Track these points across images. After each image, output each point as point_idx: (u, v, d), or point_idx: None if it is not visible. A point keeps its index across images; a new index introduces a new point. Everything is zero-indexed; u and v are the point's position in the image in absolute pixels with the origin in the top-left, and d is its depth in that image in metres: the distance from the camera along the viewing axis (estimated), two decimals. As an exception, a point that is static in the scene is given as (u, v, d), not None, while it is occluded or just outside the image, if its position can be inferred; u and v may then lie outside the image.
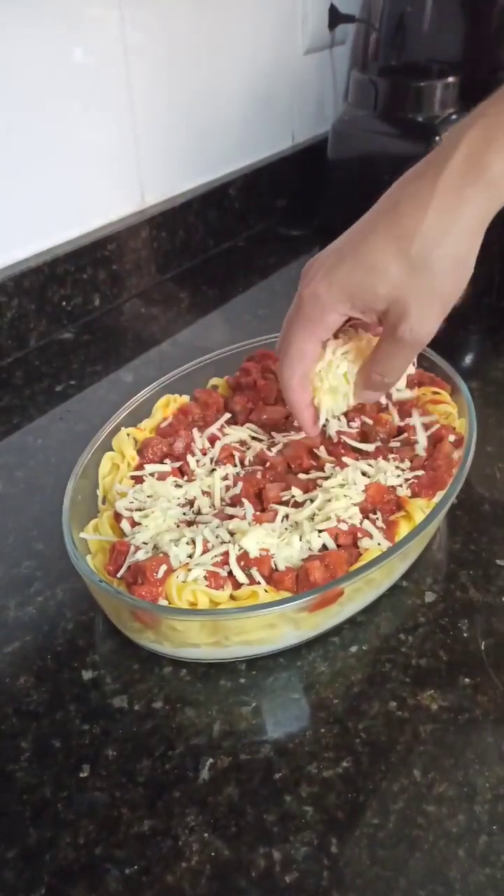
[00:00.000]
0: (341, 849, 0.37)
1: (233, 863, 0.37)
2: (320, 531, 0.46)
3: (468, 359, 0.78)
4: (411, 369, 0.58)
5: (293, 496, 0.51)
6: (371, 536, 0.46)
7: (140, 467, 0.55)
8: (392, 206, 0.42)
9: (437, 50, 0.93)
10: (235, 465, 0.55)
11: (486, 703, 0.43)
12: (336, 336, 0.49)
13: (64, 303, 0.83)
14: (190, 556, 0.46)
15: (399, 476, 0.50)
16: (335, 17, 1.09)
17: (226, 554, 0.45)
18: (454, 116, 0.90)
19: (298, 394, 0.49)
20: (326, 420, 0.51)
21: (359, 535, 0.46)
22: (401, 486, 0.50)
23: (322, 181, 1.02)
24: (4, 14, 0.69)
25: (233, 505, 0.50)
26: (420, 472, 0.50)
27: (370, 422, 0.55)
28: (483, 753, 0.41)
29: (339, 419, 0.54)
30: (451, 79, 0.89)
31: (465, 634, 0.47)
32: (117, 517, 0.50)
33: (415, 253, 0.40)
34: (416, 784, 0.40)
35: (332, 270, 0.43)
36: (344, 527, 0.46)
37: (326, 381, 0.49)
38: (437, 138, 0.88)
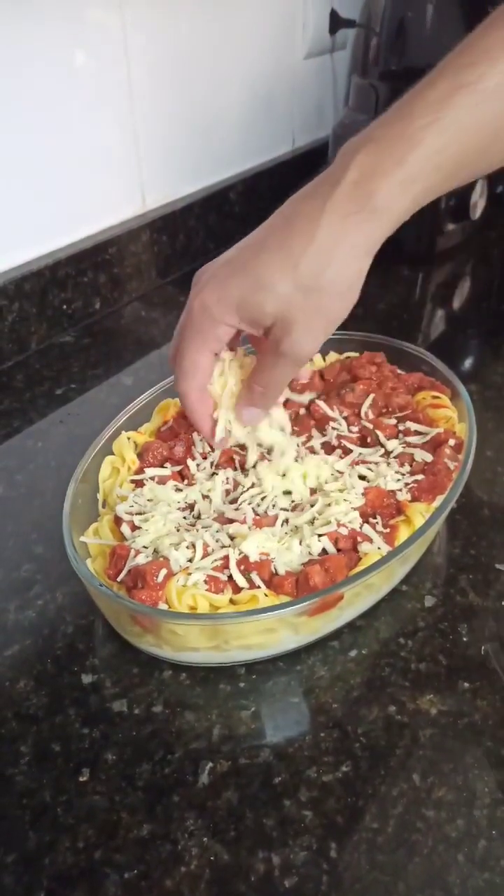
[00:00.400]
0: (340, 853, 0.37)
1: (232, 867, 0.37)
2: (320, 535, 0.47)
3: (468, 363, 0.78)
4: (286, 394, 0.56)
5: (293, 501, 0.51)
6: (371, 541, 0.46)
7: (140, 471, 0.55)
8: (283, 223, 0.42)
9: (437, 54, 0.93)
10: (235, 469, 0.55)
11: (486, 708, 0.43)
12: (232, 348, 0.49)
13: (65, 306, 0.83)
14: (190, 560, 0.46)
15: (399, 480, 0.50)
16: (336, 22, 1.09)
17: (226, 558, 0.45)
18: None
19: (197, 406, 0.49)
20: (228, 431, 0.51)
21: (359, 539, 0.46)
22: (400, 490, 0.50)
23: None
24: (7, 17, 0.69)
25: (233, 502, 0.51)
26: (420, 477, 0.50)
27: (370, 426, 0.56)
28: (482, 758, 0.41)
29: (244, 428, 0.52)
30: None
31: (464, 639, 0.47)
32: (117, 521, 0.50)
33: (302, 273, 0.41)
34: (416, 789, 0.40)
35: (222, 283, 0.43)
36: (344, 531, 0.46)
37: (223, 398, 0.49)
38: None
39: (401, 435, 0.55)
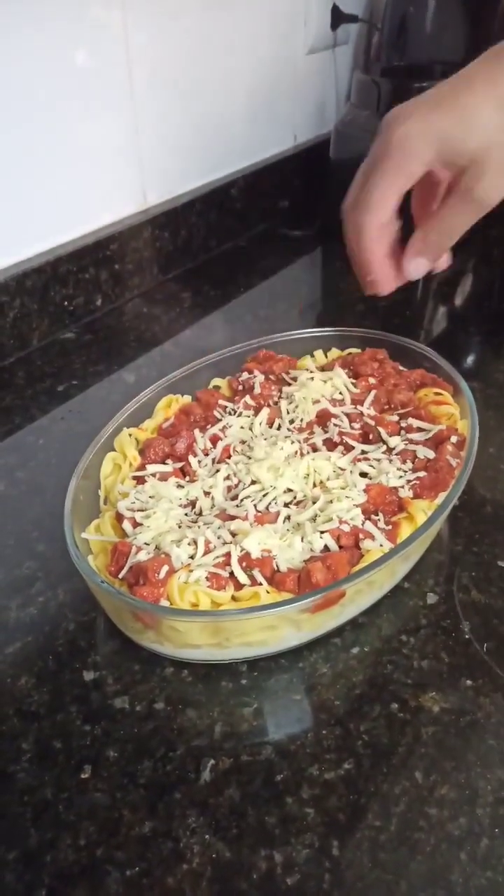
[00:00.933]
0: (342, 851, 0.37)
1: (234, 865, 0.37)
2: (322, 532, 0.46)
3: (469, 360, 0.77)
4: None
5: (295, 496, 0.51)
6: (373, 538, 0.46)
7: (142, 468, 0.55)
8: (493, 60, 0.42)
9: (439, 50, 0.93)
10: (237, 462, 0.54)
11: (488, 706, 0.43)
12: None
13: (66, 303, 0.83)
14: (192, 557, 0.46)
15: (401, 478, 0.50)
16: (338, 18, 1.09)
17: (227, 555, 0.45)
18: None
19: (376, 244, 0.47)
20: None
21: (361, 536, 0.46)
22: (402, 487, 0.49)
23: (324, 182, 1.02)
24: (8, 16, 0.69)
25: (235, 498, 0.51)
26: (422, 474, 0.50)
27: (372, 423, 0.55)
28: (485, 756, 0.41)
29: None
30: (453, 79, 0.89)
31: (466, 636, 0.47)
32: (119, 518, 0.50)
33: None
34: (418, 786, 0.39)
35: (426, 116, 0.42)
36: (346, 528, 0.46)
37: None
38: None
39: (403, 432, 0.55)
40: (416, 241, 0.48)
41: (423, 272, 0.49)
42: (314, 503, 0.49)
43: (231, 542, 0.46)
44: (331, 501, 0.48)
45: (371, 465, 0.51)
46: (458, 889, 0.35)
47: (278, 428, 0.57)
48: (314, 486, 0.51)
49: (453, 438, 0.52)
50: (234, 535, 0.47)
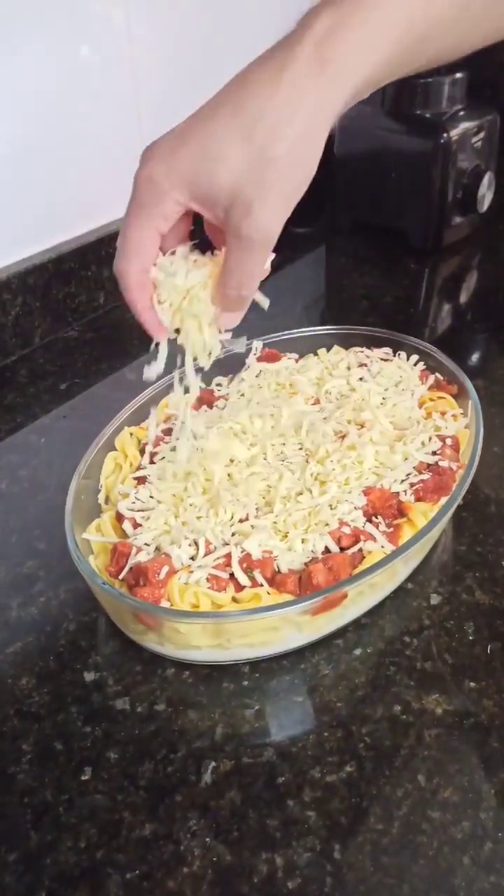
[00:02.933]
0: (344, 855, 0.37)
1: (235, 868, 0.37)
2: (331, 522, 0.46)
3: (474, 358, 0.77)
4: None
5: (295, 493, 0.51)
6: (374, 539, 0.46)
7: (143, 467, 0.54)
8: (238, 88, 0.39)
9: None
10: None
11: (492, 708, 0.43)
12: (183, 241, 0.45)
13: (69, 300, 0.83)
14: (192, 558, 0.46)
15: (403, 481, 0.49)
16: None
17: (228, 556, 0.45)
18: (461, 113, 0.89)
19: (136, 292, 0.44)
20: (195, 360, 0.47)
21: (362, 538, 0.46)
22: (404, 491, 0.49)
23: (328, 178, 1.02)
24: (11, 13, 0.69)
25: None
26: (426, 476, 0.49)
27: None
28: (488, 759, 0.40)
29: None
30: (458, 75, 0.88)
31: (470, 637, 0.47)
32: (119, 518, 0.50)
33: (258, 140, 0.37)
34: (421, 789, 0.39)
35: (171, 153, 0.39)
36: (346, 530, 0.46)
37: (190, 313, 0.44)
38: (445, 135, 0.87)
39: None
40: (216, 297, 0.45)
41: (237, 322, 0.46)
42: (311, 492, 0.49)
43: (231, 543, 0.46)
44: (331, 506, 0.48)
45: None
46: (462, 893, 0.35)
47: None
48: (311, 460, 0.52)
49: (448, 440, 0.52)
50: (234, 535, 0.47)
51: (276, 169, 0.38)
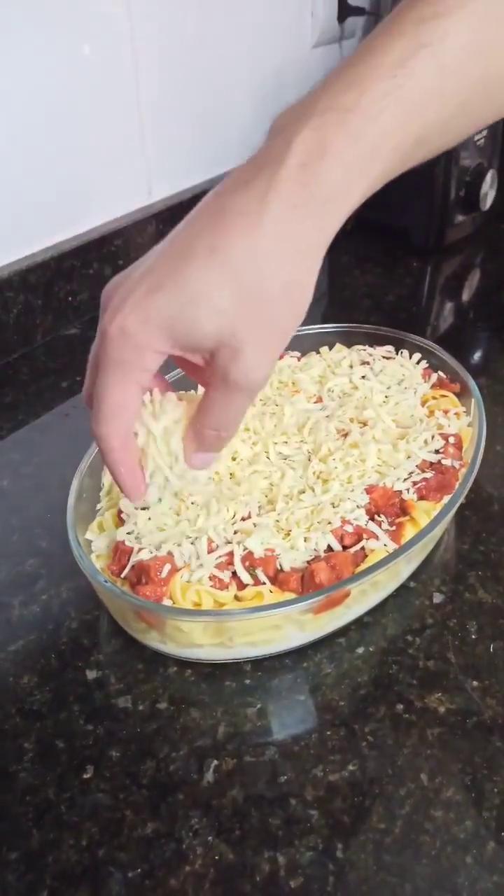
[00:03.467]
0: (347, 854, 0.37)
1: (237, 867, 0.37)
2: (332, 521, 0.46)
3: (477, 356, 0.77)
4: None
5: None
6: (377, 538, 0.46)
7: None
8: (215, 220, 0.34)
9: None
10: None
11: (495, 707, 0.42)
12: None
13: (70, 298, 0.83)
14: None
15: (406, 480, 0.49)
16: (344, 10, 1.08)
17: (230, 554, 0.45)
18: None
19: (122, 455, 0.39)
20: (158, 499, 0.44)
21: (364, 536, 0.46)
22: (407, 490, 0.49)
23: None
24: (13, 11, 0.68)
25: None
26: (429, 474, 0.49)
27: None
28: (491, 758, 0.40)
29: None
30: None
31: (473, 636, 0.47)
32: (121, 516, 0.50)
33: (245, 281, 0.34)
34: (423, 788, 0.39)
35: (144, 300, 0.34)
36: (349, 528, 0.46)
37: (157, 454, 0.41)
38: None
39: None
40: (190, 438, 0.40)
41: (210, 463, 0.42)
42: (313, 490, 0.49)
43: (234, 542, 0.46)
44: (333, 504, 0.47)
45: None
46: (464, 893, 0.35)
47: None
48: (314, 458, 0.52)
49: (451, 439, 0.52)
50: (236, 533, 0.47)
51: (269, 311, 0.35)
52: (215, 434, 0.39)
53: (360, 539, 0.45)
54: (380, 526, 0.46)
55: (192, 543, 0.46)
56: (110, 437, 0.38)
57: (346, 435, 0.53)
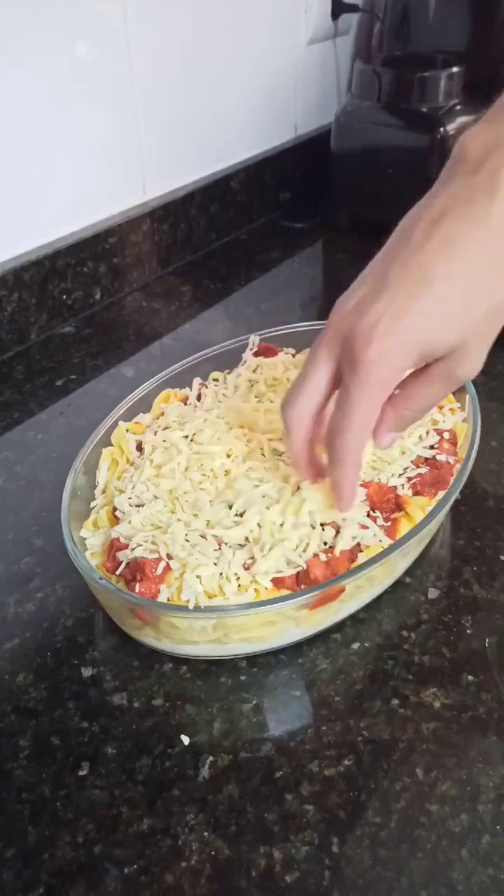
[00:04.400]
0: (343, 848, 0.37)
1: (233, 862, 0.37)
2: (324, 525, 0.46)
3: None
4: None
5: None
6: (373, 533, 0.46)
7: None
8: (445, 246, 0.38)
9: (441, 40, 0.92)
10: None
11: (490, 702, 0.43)
12: None
13: (65, 296, 0.83)
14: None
15: (401, 475, 0.49)
16: (338, 7, 1.08)
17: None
18: (458, 107, 0.89)
19: (358, 469, 0.44)
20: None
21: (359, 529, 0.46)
22: (402, 486, 0.49)
23: (325, 173, 1.01)
24: (8, 9, 0.68)
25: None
26: (423, 470, 0.49)
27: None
28: (486, 752, 0.40)
29: None
30: (455, 69, 0.88)
31: (468, 631, 0.47)
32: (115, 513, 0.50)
33: (480, 298, 0.38)
34: (419, 783, 0.39)
35: (394, 325, 0.38)
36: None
37: None
38: (442, 129, 0.87)
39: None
40: (389, 418, 0.43)
41: (395, 442, 0.47)
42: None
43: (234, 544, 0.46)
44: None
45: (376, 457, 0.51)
46: (460, 886, 0.35)
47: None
48: None
49: (445, 434, 0.52)
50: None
51: (498, 320, 0.40)
52: (413, 415, 0.44)
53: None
54: (374, 521, 0.46)
55: (187, 540, 0.46)
56: (360, 452, 0.42)
57: None
